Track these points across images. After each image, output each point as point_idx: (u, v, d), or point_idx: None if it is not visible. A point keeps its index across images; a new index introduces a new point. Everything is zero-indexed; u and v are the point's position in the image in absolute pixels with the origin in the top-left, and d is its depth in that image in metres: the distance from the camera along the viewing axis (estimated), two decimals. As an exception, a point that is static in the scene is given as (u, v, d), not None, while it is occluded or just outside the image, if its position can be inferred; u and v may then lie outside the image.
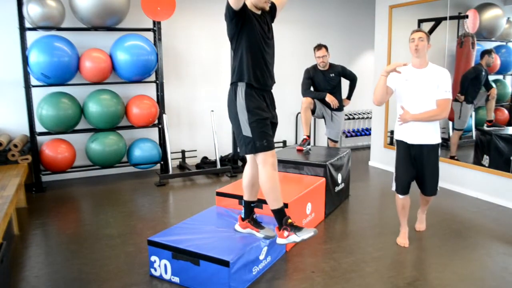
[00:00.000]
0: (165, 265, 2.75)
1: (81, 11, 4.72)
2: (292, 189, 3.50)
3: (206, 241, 2.78)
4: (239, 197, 3.35)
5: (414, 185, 3.28)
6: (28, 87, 4.69)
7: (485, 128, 4.87)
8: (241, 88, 2.63)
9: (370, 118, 6.91)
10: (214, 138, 5.54)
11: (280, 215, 2.66)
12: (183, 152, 5.87)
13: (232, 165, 5.65)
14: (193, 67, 5.93)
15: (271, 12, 2.77)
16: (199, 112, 6.04)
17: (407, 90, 3.09)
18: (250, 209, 2.91)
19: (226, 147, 6.03)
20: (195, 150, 5.99)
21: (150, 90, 5.50)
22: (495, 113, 4.92)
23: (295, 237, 2.59)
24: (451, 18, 4.83)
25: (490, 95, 4.88)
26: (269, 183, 2.61)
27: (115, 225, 3.78)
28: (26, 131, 4.83)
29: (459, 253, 3.17)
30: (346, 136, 7.10)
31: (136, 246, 3.29)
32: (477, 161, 4.75)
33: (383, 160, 5.83)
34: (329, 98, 4.56)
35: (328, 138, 4.96)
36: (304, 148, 4.54)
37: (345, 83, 4.77)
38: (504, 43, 5.13)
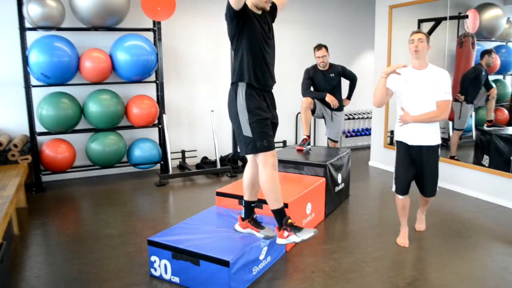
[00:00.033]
0: (165, 265, 2.75)
1: (81, 11, 4.72)
2: (292, 189, 3.50)
3: (206, 241, 2.78)
4: (239, 197, 3.35)
5: (413, 185, 3.28)
6: (28, 87, 4.69)
7: (485, 128, 4.87)
8: (242, 88, 2.63)
9: (370, 118, 6.91)
10: (214, 138, 5.54)
11: (280, 215, 2.66)
12: (183, 152, 5.87)
13: (232, 165, 5.65)
14: (193, 67, 5.93)
15: (272, 12, 2.77)
16: (199, 112, 6.04)
17: (407, 92, 3.09)
18: (250, 209, 2.91)
19: (226, 147, 6.04)
20: (195, 150, 5.99)
21: (150, 90, 5.50)
22: (495, 113, 4.92)
23: (295, 238, 2.59)
24: (451, 18, 4.83)
25: (490, 95, 4.88)
26: (269, 183, 2.61)
27: (115, 225, 3.78)
28: (26, 131, 4.83)
29: (459, 253, 3.17)
30: (346, 136, 7.10)
31: (136, 246, 3.29)
32: (477, 161, 4.75)
33: (383, 160, 5.83)
34: (329, 98, 4.56)
35: (328, 138, 4.96)
36: (304, 148, 4.54)
37: (345, 83, 4.78)
38: (504, 43, 5.13)
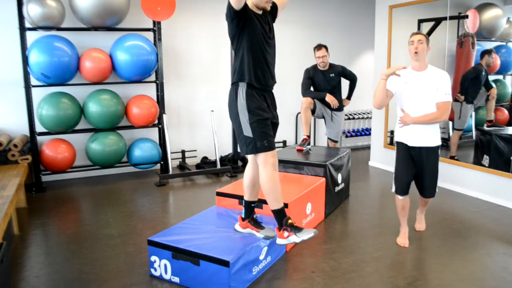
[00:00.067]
0: (165, 265, 2.75)
1: (81, 11, 4.72)
2: (292, 189, 3.50)
3: (206, 241, 2.78)
4: (239, 197, 3.35)
5: (413, 185, 3.29)
6: (28, 87, 4.69)
7: (485, 128, 4.87)
8: (242, 88, 2.63)
9: (370, 118, 6.91)
10: (214, 138, 5.54)
11: (280, 215, 2.66)
12: (183, 152, 5.87)
13: (232, 165, 5.65)
14: (193, 67, 5.93)
15: (272, 12, 2.76)
16: (199, 112, 6.04)
17: (407, 93, 3.10)
18: (250, 209, 2.91)
19: (226, 147, 6.04)
20: (195, 150, 5.99)
21: (150, 90, 5.50)
22: (495, 113, 4.92)
23: (295, 238, 2.59)
24: (451, 18, 4.83)
25: (490, 95, 4.88)
26: (270, 183, 2.61)
27: (115, 225, 3.78)
28: (26, 131, 4.83)
29: (459, 253, 3.17)
30: (346, 136, 7.10)
31: (136, 246, 3.29)
32: (477, 161, 4.75)
33: (383, 160, 5.83)
34: (329, 98, 4.56)
35: (328, 138, 4.96)
36: (304, 148, 4.54)
37: (345, 83, 4.78)
38: (504, 43, 5.13)
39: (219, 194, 3.58)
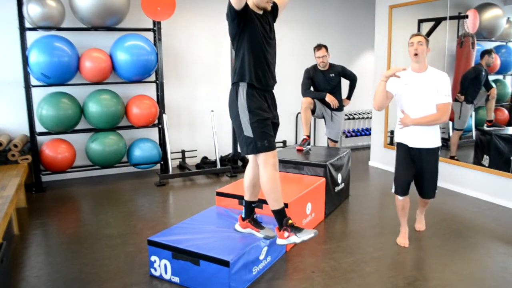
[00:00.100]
0: (165, 265, 2.75)
1: (81, 11, 4.72)
2: (292, 189, 3.50)
3: (206, 241, 2.78)
4: (239, 197, 3.35)
5: (413, 185, 3.29)
6: (28, 87, 4.69)
7: (485, 128, 4.87)
8: (243, 88, 2.63)
9: (370, 118, 6.91)
10: (214, 138, 5.54)
11: (280, 215, 2.66)
12: (183, 152, 5.87)
13: (232, 165, 5.65)
14: (193, 67, 5.93)
15: (273, 12, 2.76)
16: (199, 112, 6.04)
17: (407, 95, 3.10)
18: (250, 209, 2.91)
19: (226, 147, 6.03)
20: (195, 150, 5.99)
21: (150, 90, 5.50)
22: (495, 113, 4.92)
23: (295, 238, 2.59)
24: (451, 18, 4.83)
25: (490, 95, 4.88)
26: (270, 183, 2.61)
27: (115, 225, 3.78)
28: (26, 131, 4.83)
29: (459, 253, 3.17)
30: (346, 136, 7.10)
31: (136, 246, 3.29)
32: (477, 161, 4.75)
33: (383, 160, 5.83)
34: (329, 98, 4.56)
35: (328, 138, 4.96)
36: (304, 148, 4.54)
37: (345, 83, 4.78)
38: (504, 43, 5.13)
39: (219, 194, 3.58)
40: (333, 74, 4.63)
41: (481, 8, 4.94)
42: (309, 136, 4.63)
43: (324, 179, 3.90)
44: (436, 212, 3.96)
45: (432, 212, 3.86)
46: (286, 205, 2.89)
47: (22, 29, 4.59)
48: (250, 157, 2.81)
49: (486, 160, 4.61)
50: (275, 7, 2.77)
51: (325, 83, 4.64)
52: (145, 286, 2.72)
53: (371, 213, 4.10)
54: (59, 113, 4.74)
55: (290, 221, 2.63)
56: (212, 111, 5.63)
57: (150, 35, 5.35)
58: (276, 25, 2.82)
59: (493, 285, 2.72)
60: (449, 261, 3.03)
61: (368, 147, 6.66)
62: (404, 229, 3.34)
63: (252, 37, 2.58)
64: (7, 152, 4.34)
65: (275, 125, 2.79)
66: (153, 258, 2.80)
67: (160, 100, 5.37)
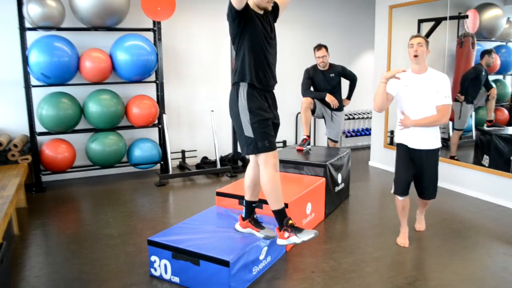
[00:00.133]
0: (165, 265, 2.75)
1: (81, 11, 4.72)
2: (292, 189, 3.50)
3: (206, 241, 2.78)
4: (239, 197, 3.35)
5: (413, 186, 3.29)
6: (28, 87, 4.69)
7: (485, 128, 4.87)
8: (243, 89, 2.63)
9: (370, 118, 6.91)
10: (214, 138, 5.54)
11: (281, 216, 2.66)
12: (183, 152, 5.87)
13: (232, 165, 5.65)
14: (193, 67, 5.93)
15: (274, 12, 2.76)
16: (199, 112, 6.04)
17: (407, 96, 3.10)
18: (251, 209, 2.91)
19: (226, 147, 6.03)
20: (195, 150, 5.99)
21: (150, 90, 5.50)
22: (495, 113, 4.92)
23: (295, 239, 2.59)
24: (451, 18, 4.83)
25: (490, 95, 4.88)
26: (271, 183, 2.61)
27: (115, 225, 3.78)
28: (26, 131, 4.83)
29: (459, 253, 3.17)
30: (346, 136, 7.10)
31: (136, 246, 3.29)
32: (477, 161, 4.75)
33: (383, 160, 5.83)
34: (329, 98, 4.56)
35: (328, 138, 4.96)
36: (304, 148, 4.54)
37: (345, 83, 4.78)
38: (504, 43, 5.13)
39: (219, 194, 3.57)
40: (333, 74, 4.63)
41: (481, 8, 4.94)
42: (309, 136, 4.63)
43: (324, 179, 3.90)
44: (436, 212, 3.96)
45: (432, 212, 3.86)
46: (286, 205, 2.88)
47: (22, 29, 4.59)
48: (251, 157, 2.80)
49: (486, 160, 4.61)
50: (275, 7, 2.77)
51: (325, 83, 4.64)
52: (145, 286, 2.72)
53: (371, 213, 4.10)
54: (59, 113, 4.74)
55: (290, 222, 2.63)
56: (212, 111, 5.63)
57: (150, 35, 5.35)
58: (276, 25, 2.82)
59: (493, 285, 2.72)
60: (449, 261, 3.03)
61: (368, 147, 6.66)
62: (404, 229, 3.34)
63: (253, 37, 2.58)
64: (7, 152, 4.34)
65: (276, 125, 2.79)
66: (153, 258, 2.80)
67: (160, 100, 5.37)
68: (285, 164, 4.15)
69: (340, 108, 4.76)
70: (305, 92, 4.66)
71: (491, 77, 4.97)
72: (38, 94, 4.84)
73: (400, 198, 3.24)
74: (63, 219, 4.00)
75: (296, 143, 6.73)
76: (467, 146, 5.09)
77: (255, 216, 2.91)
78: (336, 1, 6.88)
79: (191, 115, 6.02)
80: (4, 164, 4.30)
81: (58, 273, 2.90)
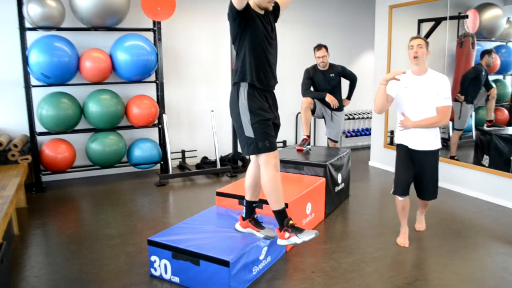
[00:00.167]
0: (165, 265, 2.75)
1: (81, 11, 4.72)
2: (292, 189, 3.49)
3: (206, 241, 2.78)
4: (239, 197, 3.35)
5: (413, 186, 3.29)
6: (28, 87, 4.69)
7: (485, 128, 4.87)
8: (244, 89, 2.63)
9: (370, 118, 6.91)
10: (214, 138, 5.54)
11: (281, 216, 2.66)
12: (183, 152, 5.87)
13: (232, 165, 5.65)
14: (193, 67, 5.93)
15: (274, 12, 2.76)
16: (199, 112, 6.04)
17: (407, 97, 3.10)
18: (251, 209, 2.91)
19: (226, 147, 6.03)
20: (195, 150, 5.99)
21: (150, 90, 5.50)
22: (495, 113, 4.92)
23: (296, 239, 2.59)
24: (451, 18, 4.83)
25: (490, 95, 4.88)
26: (271, 184, 2.61)
27: (115, 225, 3.78)
28: (26, 131, 4.83)
29: (459, 253, 3.17)
30: (346, 136, 7.10)
31: (136, 246, 3.29)
32: (477, 161, 4.75)
33: (383, 160, 5.83)
34: (329, 98, 4.56)
35: (328, 138, 4.96)
36: (304, 148, 4.54)
37: (345, 83, 4.78)
38: (504, 43, 5.13)
39: (219, 194, 3.57)
40: (333, 74, 4.63)
41: (481, 8, 4.94)
42: (309, 136, 4.63)
43: (324, 179, 3.90)
44: (436, 212, 3.96)
45: (432, 212, 3.86)
46: (286, 205, 2.88)
47: (22, 29, 4.59)
48: (252, 157, 2.80)
49: (486, 160, 4.61)
50: (276, 7, 2.77)
51: (325, 83, 4.64)
52: (145, 286, 2.72)
53: (371, 213, 4.10)
54: (59, 113, 4.74)
55: (291, 222, 2.63)
56: (212, 111, 5.63)
57: (150, 35, 5.35)
58: (276, 25, 2.82)
59: (493, 285, 2.72)
60: (449, 261, 3.03)
61: (368, 147, 6.66)
62: (404, 229, 3.34)
63: (254, 37, 2.58)
64: (7, 152, 4.34)
65: (276, 126, 2.78)
66: (153, 258, 2.80)
67: (160, 100, 5.37)
68: (285, 164, 4.15)
69: (340, 108, 4.76)
70: (305, 92, 4.66)
71: (491, 77, 4.97)
72: (38, 94, 4.84)
73: (400, 198, 3.24)
74: (63, 219, 4.00)
75: (296, 143, 6.73)
76: (467, 146, 5.09)
77: (255, 216, 2.91)
78: (336, 1, 6.88)
79: (191, 115, 6.02)
80: (4, 164, 4.30)
81: (58, 273, 2.90)
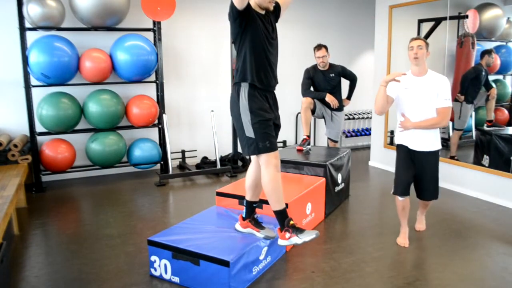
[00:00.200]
0: (165, 265, 2.75)
1: (81, 11, 4.72)
2: (292, 189, 3.49)
3: (206, 241, 2.78)
4: (239, 197, 3.35)
5: (413, 186, 3.29)
6: (28, 87, 4.69)
7: (485, 128, 4.87)
8: (244, 89, 2.62)
9: (370, 118, 6.91)
10: (214, 138, 5.54)
11: (282, 216, 2.66)
12: (183, 152, 5.87)
13: (232, 165, 5.65)
14: (193, 67, 5.93)
15: (275, 12, 2.76)
16: (199, 112, 6.04)
17: (407, 98, 3.10)
18: (251, 209, 2.91)
19: (226, 147, 6.03)
20: (195, 150, 5.99)
21: (150, 90, 5.50)
22: (495, 113, 4.92)
23: (296, 239, 2.59)
24: (451, 18, 4.83)
25: (490, 95, 4.88)
26: (272, 184, 2.60)
27: (115, 225, 3.78)
28: (26, 131, 4.83)
29: (459, 253, 3.17)
30: (346, 136, 7.10)
31: (136, 246, 3.29)
32: (477, 161, 4.75)
33: (383, 160, 5.83)
34: (329, 98, 4.56)
35: (328, 138, 4.96)
36: (304, 148, 4.54)
37: (345, 83, 4.78)
38: (504, 43, 5.13)
39: (219, 194, 3.57)
40: (333, 74, 4.63)
41: (481, 8, 4.94)
42: (309, 136, 4.63)
43: (324, 179, 3.90)
44: (436, 212, 3.96)
45: (432, 212, 3.86)
46: (286, 205, 2.88)
47: (22, 29, 4.59)
48: (253, 157, 2.80)
49: (486, 160, 4.61)
50: (277, 7, 2.76)
51: (325, 83, 4.64)
52: (145, 286, 2.72)
53: (371, 213, 4.10)
54: (59, 113, 4.74)
55: (291, 222, 2.63)
56: (212, 111, 5.63)
57: (150, 35, 5.35)
58: (276, 25, 2.81)
59: (493, 285, 2.72)
60: (449, 261, 3.03)
61: (368, 147, 6.66)
62: (404, 229, 3.35)
63: (254, 37, 2.57)
64: (7, 152, 4.34)
65: (277, 126, 2.78)
66: (153, 258, 2.80)
67: (160, 100, 5.37)
68: (285, 164, 4.15)
69: (340, 108, 4.76)
70: (305, 92, 4.66)
71: (491, 77, 4.97)
72: (38, 94, 4.84)
73: (400, 198, 3.24)
74: (63, 219, 4.00)
75: (296, 143, 6.73)
76: (467, 146, 5.09)
77: (255, 216, 2.91)
78: (336, 1, 6.88)
79: (191, 115, 6.02)
80: (4, 164, 4.30)
81: (58, 273, 2.90)
